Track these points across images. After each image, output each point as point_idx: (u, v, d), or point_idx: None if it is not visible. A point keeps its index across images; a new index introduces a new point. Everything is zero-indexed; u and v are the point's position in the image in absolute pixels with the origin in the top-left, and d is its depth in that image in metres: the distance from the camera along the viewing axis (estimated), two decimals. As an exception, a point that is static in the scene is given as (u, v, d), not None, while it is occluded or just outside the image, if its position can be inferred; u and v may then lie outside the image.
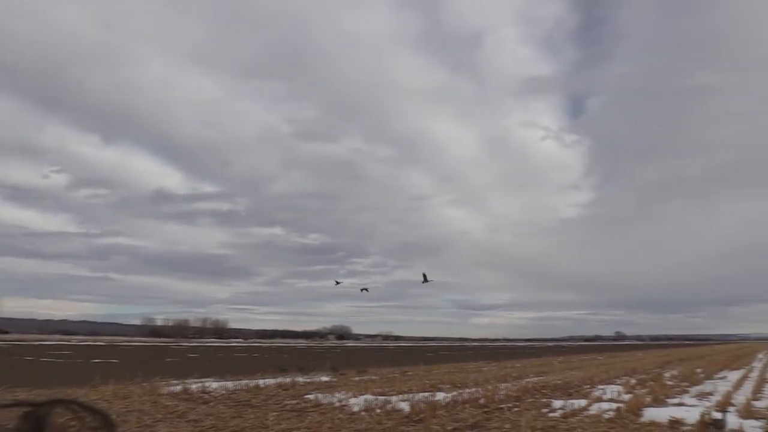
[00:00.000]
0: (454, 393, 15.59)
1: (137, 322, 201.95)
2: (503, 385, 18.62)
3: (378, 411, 12.65)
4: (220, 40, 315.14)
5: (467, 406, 13.50)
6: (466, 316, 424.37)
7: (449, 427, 10.55)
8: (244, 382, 19.04)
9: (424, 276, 41.15)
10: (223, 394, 15.97)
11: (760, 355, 52.67)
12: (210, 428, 10.47)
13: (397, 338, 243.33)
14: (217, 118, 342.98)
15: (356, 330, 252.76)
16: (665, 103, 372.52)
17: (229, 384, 18.28)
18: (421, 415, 11.71)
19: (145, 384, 17.49)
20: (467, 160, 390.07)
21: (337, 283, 43.29)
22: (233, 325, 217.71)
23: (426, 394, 15.57)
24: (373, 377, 22.88)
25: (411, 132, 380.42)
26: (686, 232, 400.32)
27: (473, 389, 16.79)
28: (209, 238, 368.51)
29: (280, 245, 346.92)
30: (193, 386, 17.20)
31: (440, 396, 14.98)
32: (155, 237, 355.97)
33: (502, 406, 13.60)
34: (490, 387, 17.44)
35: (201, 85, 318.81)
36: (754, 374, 25.74)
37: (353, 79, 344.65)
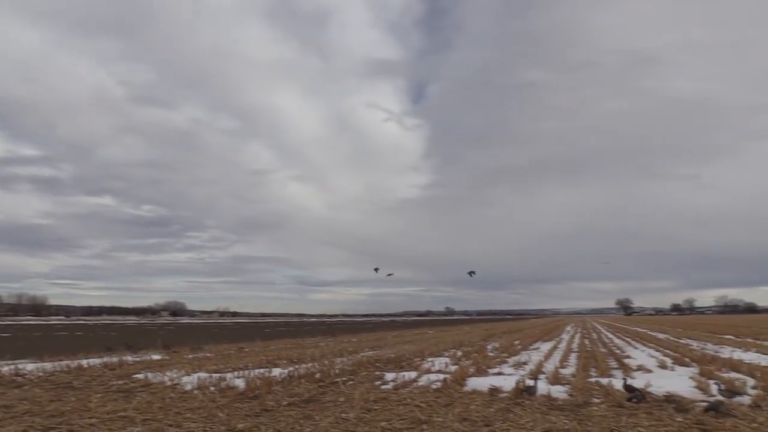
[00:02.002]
0: (291, 368, 15.68)
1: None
2: (339, 359, 19.02)
3: (212, 389, 12.39)
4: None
5: (303, 381, 13.64)
6: (305, 292, 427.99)
7: (284, 402, 10.61)
8: (65, 362, 17.68)
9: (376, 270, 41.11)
10: (40, 377, 14.73)
11: (568, 328, 58.76)
12: (24, 414, 9.62)
13: (234, 314, 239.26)
14: (40, 74, 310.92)
15: (191, 306, 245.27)
16: (498, 94, 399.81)
17: (48, 365, 16.90)
18: (257, 392, 11.67)
19: (-56, 367, 15.66)
20: (311, 136, 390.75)
21: (376, 270, 41.37)
22: (54, 301, 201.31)
23: (262, 370, 15.50)
24: (208, 354, 22.30)
25: (255, 104, 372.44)
26: (511, 216, 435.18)
27: (310, 364, 16.99)
28: (27, 206, 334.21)
29: (110, 216, 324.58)
30: (5, 369, 15.73)
31: (277, 372, 14.98)
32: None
33: (338, 380, 13.92)
34: (326, 362, 17.76)
35: (22, 37, 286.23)
36: (563, 345, 28.68)
37: (197, 44, 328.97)
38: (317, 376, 14.49)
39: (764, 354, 20.68)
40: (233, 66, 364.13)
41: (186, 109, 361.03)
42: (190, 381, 13.46)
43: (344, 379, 14.15)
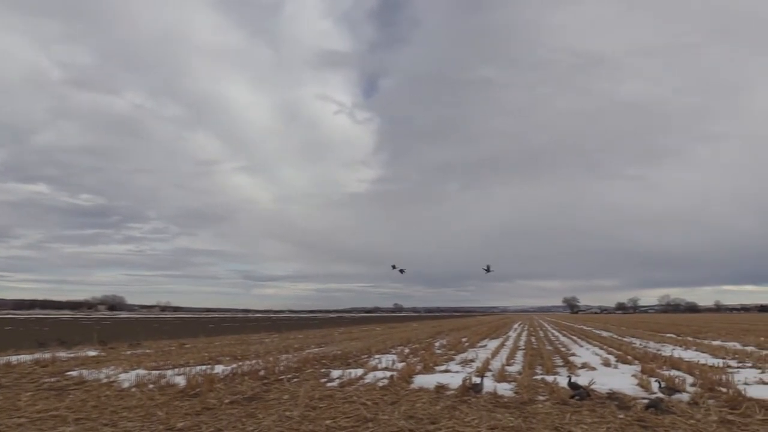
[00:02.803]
0: (234, 365, 15.51)
1: None
2: (284, 356, 18.93)
3: (151, 386, 12.16)
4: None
5: (247, 378, 13.53)
6: (250, 286, 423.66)
7: (227, 400, 10.50)
8: (-8, 359, 17.05)
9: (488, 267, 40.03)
10: (-36, 374, 14.16)
11: (515, 326, 59.91)
12: (-55, 413, 9.24)
13: (176, 309, 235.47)
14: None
15: (131, 300, 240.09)
16: (451, 90, 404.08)
17: (-27, 362, 16.25)
18: (198, 389, 11.50)
19: None
20: (260, 127, 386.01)
21: (394, 268, 39.82)
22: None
23: (204, 367, 15.28)
24: (148, 351, 21.87)
25: (203, 92, 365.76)
26: (462, 213, 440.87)
27: (254, 361, 16.85)
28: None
29: (45, 204, 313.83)
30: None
31: (219, 369, 14.80)
32: None
33: (282, 377, 13.86)
34: (271, 359, 17.61)
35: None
36: (510, 342, 29.21)
37: (142, 28, 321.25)
38: (261, 373, 14.39)
39: (703, 352, 21.56)
40: (180, 52, 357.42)
41: (128, 95, 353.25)
42: (127, 378, 13.16)
43: (289, 376, 14.10)
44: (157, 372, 14.12)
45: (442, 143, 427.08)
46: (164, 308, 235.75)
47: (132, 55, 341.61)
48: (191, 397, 10.92)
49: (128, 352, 21.06)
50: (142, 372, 14.14)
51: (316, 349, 22.43)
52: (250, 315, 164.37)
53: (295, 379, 13.54)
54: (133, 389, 11.85)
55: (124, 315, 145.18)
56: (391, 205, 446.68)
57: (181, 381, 12.52)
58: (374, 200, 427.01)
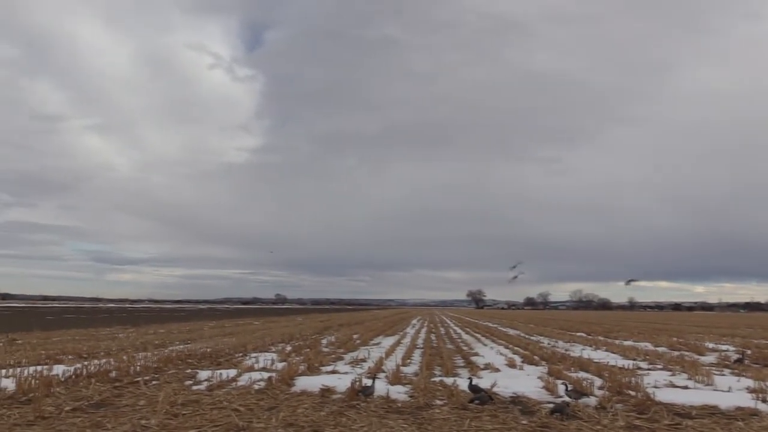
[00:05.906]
0: (79, 365, 14.91)
1: None
2: (142, 354, 18.50)
3: (-33, 392, 11.51)
4: None
5: (94, 380, 13.09)
6: (103, 271, 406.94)
7: (68, 407, 10.12)
8: None
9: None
10: None
11: (414, 321, 61.30)
12: None
13: (5, 297, 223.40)
14: None
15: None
16: (350, 50, 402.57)
17: None
18: (32, 394, 11.02)
19: None
20: (117, 78, 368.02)
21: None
22: None
23: (40, 367, 14.59)
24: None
25: (44, 30, 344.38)
26: (358, 192, 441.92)
27: (104, 360, 16.30)
28: None
29: None
30: None
31: (59, 369, 14.22)
32: None
33: (139, 379, 13.55)
34: (125, 357, 17.14)
35: None
36: (407, 340, 29.90)
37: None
38: (113, 374, 14.01)
39: (614, 353, 23.03)
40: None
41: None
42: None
43: (147, 378, 13.83)
44: (-22, 374, 13.38)
45: (335, 110, 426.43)
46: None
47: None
48: (22, 404, 10.47)
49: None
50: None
51: (181, 347, 22.06)
52: (101, 305, 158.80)
53: (155, 382, 13.31)
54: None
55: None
56: (275, 180, 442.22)
57: (9, 384, 11.96)
58: (255, 173, 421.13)
